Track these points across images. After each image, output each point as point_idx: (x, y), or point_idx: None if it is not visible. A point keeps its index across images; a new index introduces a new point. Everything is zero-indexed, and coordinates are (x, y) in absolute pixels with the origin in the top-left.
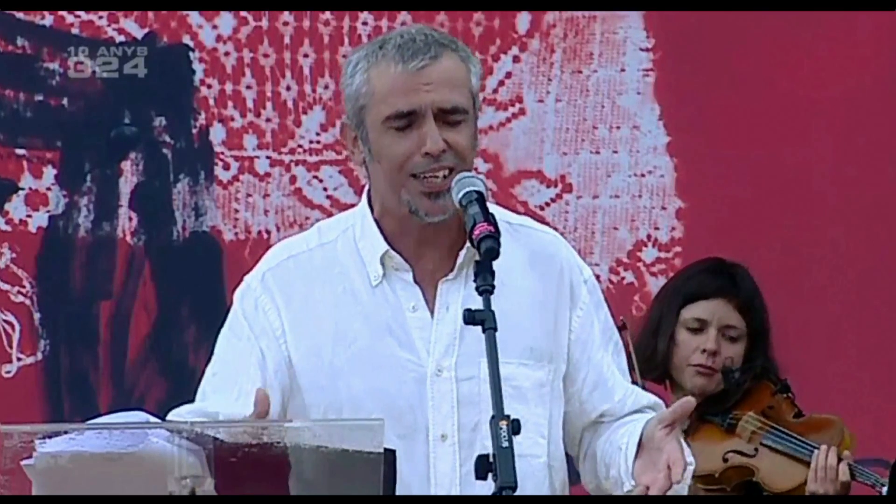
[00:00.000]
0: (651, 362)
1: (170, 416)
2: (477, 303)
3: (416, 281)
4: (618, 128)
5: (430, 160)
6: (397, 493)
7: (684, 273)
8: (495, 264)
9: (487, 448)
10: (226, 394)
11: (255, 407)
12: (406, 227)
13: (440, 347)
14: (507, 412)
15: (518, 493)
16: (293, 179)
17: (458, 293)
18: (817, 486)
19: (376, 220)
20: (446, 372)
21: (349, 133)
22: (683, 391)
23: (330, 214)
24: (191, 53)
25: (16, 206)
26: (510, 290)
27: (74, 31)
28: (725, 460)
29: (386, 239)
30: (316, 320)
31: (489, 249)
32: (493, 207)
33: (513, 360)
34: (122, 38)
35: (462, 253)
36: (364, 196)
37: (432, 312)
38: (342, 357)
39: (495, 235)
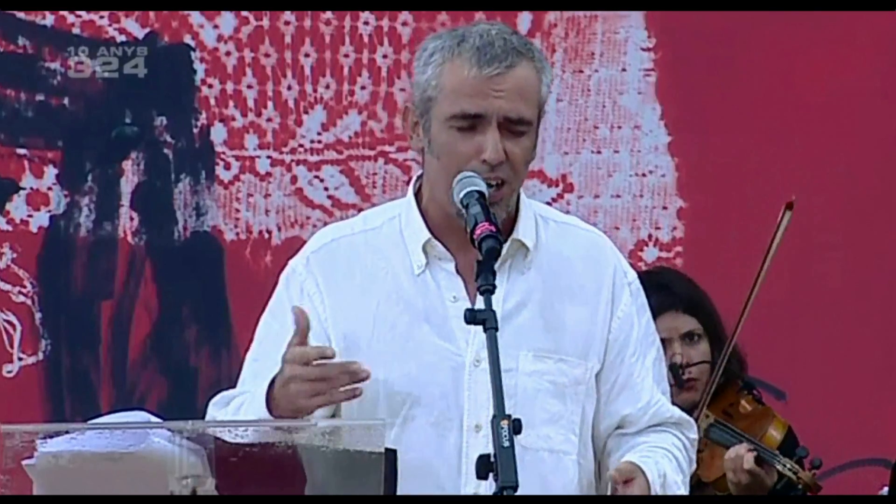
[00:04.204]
0: None
1: (212, 403)
2: (518, 295)
3: (458, 272)
4: (619, 127)
5: (486, 167)
6: (424, 480)
7: None
8: (540, 261)
9: (519, 441)
10: (267, 379)
11: (295, 326)
12: (451, 221)
13: (479, 339)
14: (543, 407)
15: (548, 488)
16: (294, 179)
17: (500, 286)
18: (730, 475)
19: (422, 211)
20: (484, 363)
21: (411, 117)
22: None
23: (331, 214)
24: (192, 53)
25: (17, 206)
26: (553, 286)
27: (75, 30)
28: None
29: (430, 229)
30: (356, 304)
31: (490, 249)
32: (540, 206)
33: (552, 355)
34: (122, 38)
35: (506, 246)
36: (411, 186)
37: (473, 304)
38: (380, 342)
39: (496, 235)
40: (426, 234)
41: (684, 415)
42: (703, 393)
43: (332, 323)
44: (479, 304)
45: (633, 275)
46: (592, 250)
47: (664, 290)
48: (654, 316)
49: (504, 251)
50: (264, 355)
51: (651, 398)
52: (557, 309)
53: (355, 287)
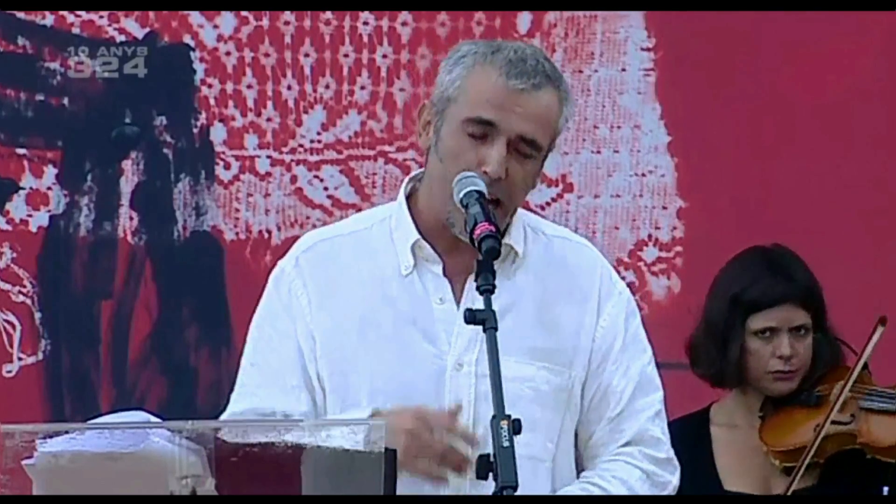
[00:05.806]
0: (724, 374)
1: (225, 416)
2: (503, 300)
3: (446, 275)
4: (619, 127)
5: (486, 179)
6: (406, 485)
7: (737, 274)
8: (527, 269)
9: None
10: (272, 388)
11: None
12: (443, 226)
13: (462, 342)
14: (523, 413)
15: (520, 494)
16: (294, 179)
17: None
18: None
19: (413, 213)
20: (466, 367)
21: (425, 115)
22: (762, 397)
23: (331, 214)
24: (191, 53)
25: (17, 206)
26: (539, 293)
27: (75, 30)
28: (817, 432)
29: (420, 231)
30: (342, 304)
31: (490, 249)
32: (532, 218)
33: (536, 362)
34: (122, 38)
35: None
36: (402, 188)
37: (459, 307)
38: (365, 343)
39: (496, 235)
40: (415, 235)
41: (652, 431)
42: (801, 381)
43: (316, 323)
44: (470, 306)
45: (622, 285)
46: (580, 260)
47: (788, 280)
48: (771, 304)
49: None
50: (262, 361)
51: (621, 408)
52: (543, 316)
53: (342, 287)
